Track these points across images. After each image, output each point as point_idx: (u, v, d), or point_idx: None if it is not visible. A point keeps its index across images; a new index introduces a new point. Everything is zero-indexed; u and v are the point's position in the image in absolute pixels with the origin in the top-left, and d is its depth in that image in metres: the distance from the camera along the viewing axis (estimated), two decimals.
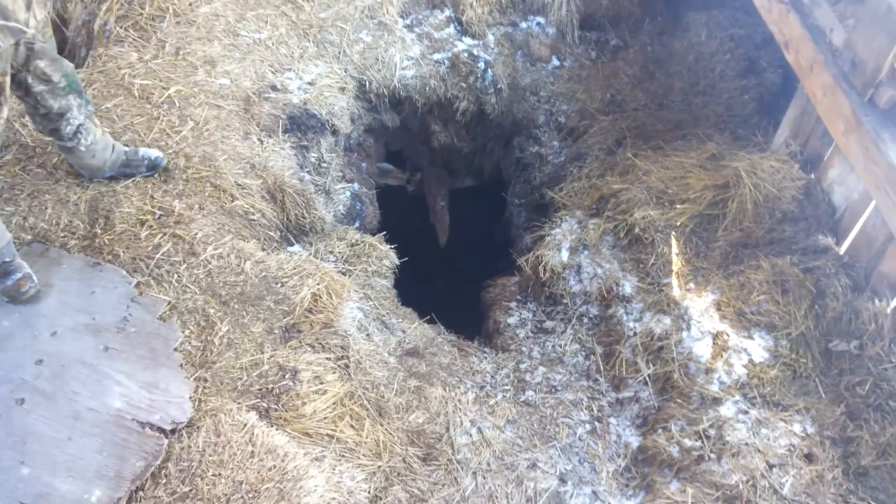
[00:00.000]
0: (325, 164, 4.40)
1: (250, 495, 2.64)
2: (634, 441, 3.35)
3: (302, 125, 4.30)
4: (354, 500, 2.83)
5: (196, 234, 3.44)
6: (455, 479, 3.08)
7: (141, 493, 2.62)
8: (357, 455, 2.99)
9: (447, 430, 3.24)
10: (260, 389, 3.04)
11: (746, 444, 3.08)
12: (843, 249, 3.61)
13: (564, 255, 4.02)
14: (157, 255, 3.32)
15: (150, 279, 3.26)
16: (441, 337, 3.91)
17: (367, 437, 3.05)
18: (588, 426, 3.41)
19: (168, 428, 2.78)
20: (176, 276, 3.29)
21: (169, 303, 3.19)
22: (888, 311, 3.28)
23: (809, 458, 3.05)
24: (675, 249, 3.82)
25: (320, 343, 3.30)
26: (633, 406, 3.46)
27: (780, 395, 3.25)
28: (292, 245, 4.01)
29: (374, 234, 4.25)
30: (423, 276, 4.80)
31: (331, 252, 4.02)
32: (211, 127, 3.95)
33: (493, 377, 3.64)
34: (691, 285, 3.68)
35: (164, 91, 4.01)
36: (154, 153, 3.61)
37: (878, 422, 3.08)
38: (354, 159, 4.84)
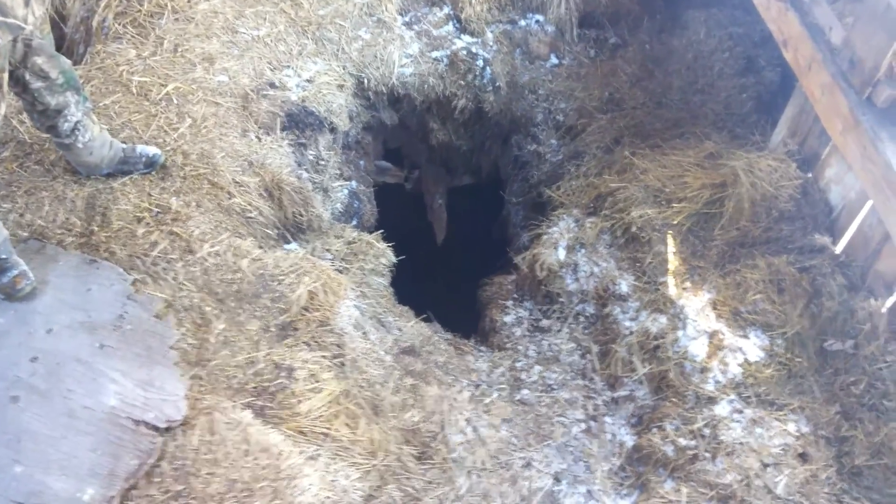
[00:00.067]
0: (322, 162, 4.40)
1: (244, 494, 2.64)
2: (629, 440, 3.36)
3: (300, 123, 4.30)
4: (349, 499, 2.83)
5: (193, 231, 3.44)
6: (450, 477, 3.08)
7: (135, 492, 2.62)
8: (352, 454, 2.99)
9: (442, 428, 3.23)
10: (255, 387, 3.04)
11: (741, 443, 3.08)
12: (839, 248, 3.61)
13: (561, 254, 4.02)
14: (154, 253, 3.32)
15: (147, 276, 3.26)
16: (437, 335, 3.91)
17: (362, 436, 3.05)
18: (583, 425, 3.41)
19: (162, 426, 2.78)
20: (172, 273, 3.29)
21: (165, 300, 3.19)
22: (883, 310, 3.28)
23: (804, 457, 3.05)
24: (671, 248, 3.82)
25: (316, 341, 3.30)
26: (629, 405, 3.47)
27: (775, 395, 3.25)
28: (289, 243, 4.02)
29: (371, 232, 4.24)
30: (420, 274, 4.80)
31: (328, 250, 4.02)
32: (209, 124, 3.95)
33: (488, 376, 3.65)
34: (688, 284, 3.67)
35: (163, 88, 4.01)
36: (152, 150, 3.61)
37: (872, 421, 3.08)
38: (352, 157, 4.84)
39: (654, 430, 3.27)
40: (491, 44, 5.10)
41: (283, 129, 4.22)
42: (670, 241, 3.84)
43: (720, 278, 3.66)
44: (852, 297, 3.37)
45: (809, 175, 3.87)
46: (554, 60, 5.19)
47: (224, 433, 2.79)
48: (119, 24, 4.28)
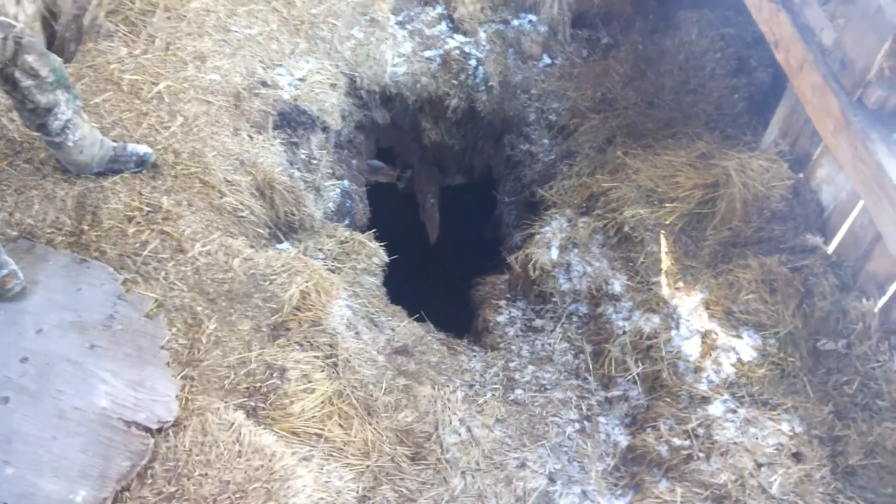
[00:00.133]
0: (315, 161, 4.38)
1: (237, 495, 2.63)
2: (623, 440, 3.35)
3: (292, 122, 4.28)
4: (343, 500, 2.82)
5: (184, 230, 3.42)
6: (444, 478, 3.07)
7: (127, 494, 2.60)
8: (345, 454, 2.98)
9: (436, 429, 3.23)
10: (247, 388, 3.02)
11: (735, 443, 3.08)
12: (831, 249, 3.62)
13: (554, 254, 4.01)
14: (145, 252, 3.30)
15: (138, 276, 3.24)
16: (430, 335, 3.90)
17: (355, 437, 3.04)
18: (577, 425, 3.41)
19: (154, 427, 2.76)
20: (163, 273, 3.27)
21: (156, 300, 3.17)
22: (875, 310, 3.29)
23: (798, 457, 3.06)
24: (664, 248, 3.82)
25: (308, 341, 3.28)
26: (623, 405, 3.46)
27: (769, 394, 3.25)
28: (281, 242, 4.00)
29: (363, 232, 4.23)
30: (413, 273, 4.79)
31: (320, 249, 4.00)
32: (200, 123, 3.92)
33: (482, 376, 3.64)
34: (680, 284, 3.68)
35: (154, 86, 3.98)
36: (143, 149, 3.59)
37: (865, 421, 3.09)
38: (345, 156, 4.82)
39: (649, 429, 3.28)
40: (484, 43, 5.10)
41: (275, 128, 4.20)
42: (663, 240, 3.84)
43: (713, 278, 3.67)
44: (844, 297, 3.38)
45: (801, 175, 3.88)
46: (546, 60, 5.19)
47: (216, 434, 2.77)
48: (111, 22, 4.26)
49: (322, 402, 3.06)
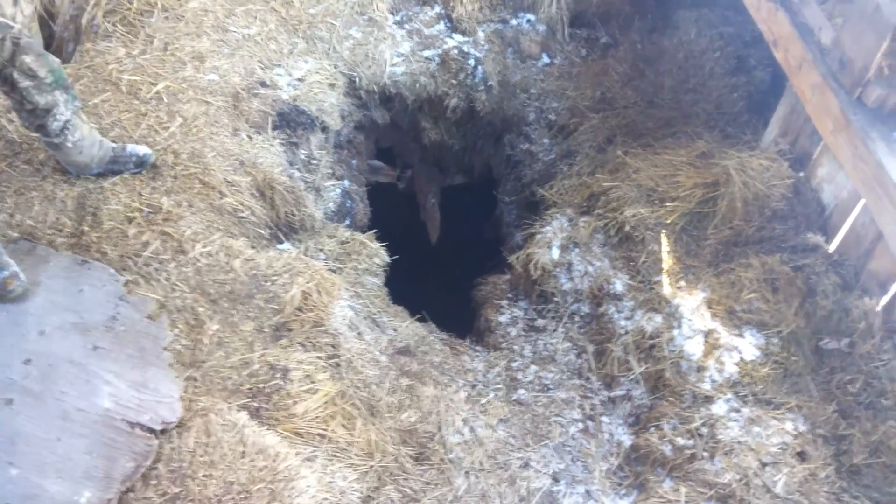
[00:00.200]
0: (314, 161, 4.37)
1: (241, 496, 2.62)
2: (627, 440, 3.36)
3: (291, 122, 4.27)
4: (346, 501, 2.81)
5: (185, 231, 3.41)
6: (448, 478, 3.07)
7: (131, 495, 2.59)
8: (349, 455, 2.97)
9: (439, 429, 3.22)
10: (250, 389, 3.01)
11: (739, 442, 3.09)
12: (832, 247, 3.62)
13: (555, 253, 4.01)
14: (146, 253, 3.29)
15: (139, 277, 3.22)
16: (432, 335, 3.90)
17: (358, 437, 3.03)
18: (580, 425, 3.41)
19: (158, 428, 2.75)
20: (165, 274, 3.26)
21: (158, 301, 3.16)
22: (878, 309, 3.30)
23: (802, 456, 3.06)
24: (665, 247, 3.82)
25: (311, 342, 3.27)
26: (626, 404, 3.46)
27: (772, 394, 3.25)
28: (282, 243, 3.99)
29: (364, 232, 4.22)
30: (414, 274, 4.79)
31: (321, 250, 3.99)
32: (199, 123, 3.91)
33: (484, 376, 3.64)
34: (682, 283, 3.68)
35: (153, 87, 3.97)
36: (142, 150, 3.58)
37: (869, 420, 3.09)
38: (344, 156, 4.81)
39: (652, 429, 3.28)
40: (482, 43, 5.09)
41: (274, 129, 4.19)
42: (664, 240, 3.84)
43: (714, 277, 3.67)
44: (846, 296, 3.38)
45: (801, 174, 3.89)
46: (545, 60, 5.19)
47: (220, 435, 2.76)
48: (108, 23, 4.24)
49: (325, 403, 3.06)
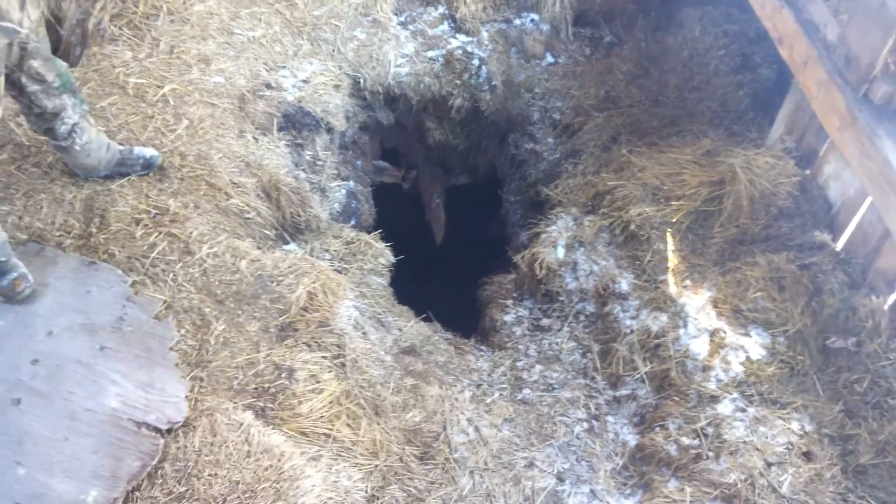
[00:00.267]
0: (320, 162, 4.38)
1: (247, 495, 2.63)
2: (632, 439, 3.35)
3: (297, 123, 4.29)
4: (351, 500, 2.82)
5: (191, 232, 3.43)
6: (452, 478, 3.08)
7: (137, 494, 2.61)
8: (354, 454, 2.98)
9: (444, 428, 3.23)
10: (256, 389, 3.03)
11: (744, 442, 3.08)
12: (839, 246, 3.60)
13: (560, 253, 4.01)
14: (153, 254, 3.31)
15: (146, 278, 3.25)
16: (437, 335, 3.90)
17: (363, 436, 3.04)
18: (585, 424, 3.41)
19: (164, 428, 2.77)
20: (171, 275, 3.28)
21: (164, 302, 3.18)
22: (885, 307, 3.27)
23: (808, 456, 3.05)
24: (671, 246, 3.82)
25: (316, 342, 3.29)
26: (631, 404, 3.46)
27: (778, 393, 3.24)
28: (288, 243, 4.00)
29: (369, 232, 4.23)
30: (419, 274, 4.79)
31: (326, 250, 4.01)
32: (206, 125, 3.93)
33: (489, 375, 3.64)
34: (688, 282, 3.67)
35: (159, 89, 3.99)
36: (149, 152, 3.60)
37: (876, 419, 3.07)
38: (349, 157, 4.83)
39: (657, 429, 3.27)
40: (486, 43, 5.10)
41: (279, 130, 4.21)
42: (669, 239, 3.84)
43: (720, 276, 3.66)
44: (853, 295, 3.36)
45: (808, 172, 3.87)
46: (549, 59, 5.19)
47: (226, 434, 2.78)
48: (115, 26, 4.26)
49: (330, 403, 3.07)
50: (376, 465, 3.00)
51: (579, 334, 3.80)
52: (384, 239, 4.19)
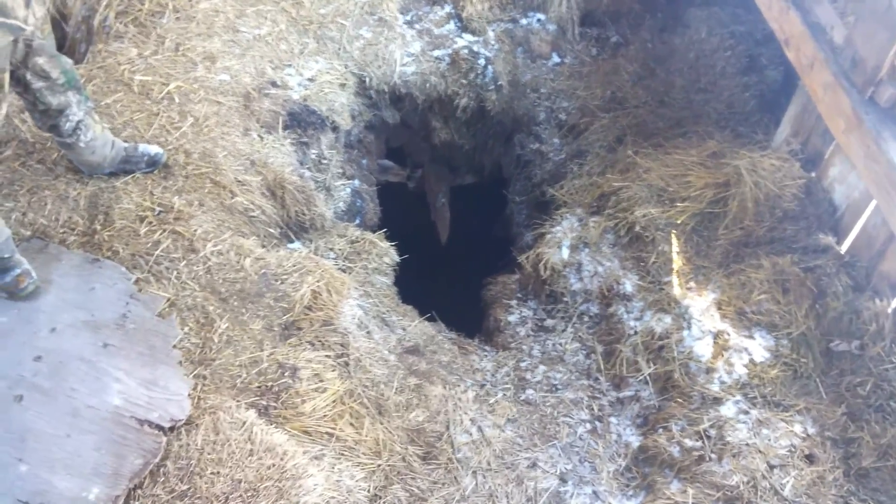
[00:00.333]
0: (325, 161, 4.38)
1: (249, 494, 2.63)
2: (635, 441, 3.35)
3: (302, 121, 4.29)
4: (354, 499, 2.82)
5: (196, 230, 3.43)
6: (455, 478, 3.07)
7: (139, 491, 2.61)
8: (356, 453, 2.98)
9: (447, 428, 3.23)
10: (259, 387, 3.03)
11: (747, 444, 3.07)
12: (844, 248, 3.60)
13: (565, 253, 4.01)
14: (157, 252, 3.31)
15: (150, 276, 3.25)
16: (441, 335, 3.90)
17: (366, 436, 3.04)
18: (588, 425, 3.40)
19: (167, 425, 2.77)
20: (175, 272, 3.28)
21: (168, 299, 3.18)
22: (889, 311, 3.27)
23: (810, 458, 3.05)
24: (675, 248, 3.81)
25: (320, 341, 3.29)
26: (634, 405, 3.46)
27: (781, 396, 3.24)
28: (292, 242, 4.00)
29: (374, 231, 4.23)
30: (424, 273, 4.79)
31: (331, 249, 4.01)
32: (211, 123, 3.93)
33: (493, 375, 3.64)
34: (692, 284, 3.67)
35: (164, 87, 4.00)
36: (154, 149, 3.60)
37: (879, 423, 3.07)
38: (355, 156, 4.83)
39: (660, 430, 3.27)
40: (492, 42, 5.09)
41: (285, 128, 4.21)
42: (674, 240, 3.83)
43: (724, 278, 3.65)
44: (857, 298, 3.36)
45: (813, 174, 3.86)
46: (556, 59, 5.18)
47: (228, 433, 2.78)
48: (120, 23, 4.27)
49: (333, 402, 3.07)
50: (379, 465, 3.00)
51: (583, 335, 3.80)
52: (389, 238, 4.19)
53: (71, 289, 3.12)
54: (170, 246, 3.35)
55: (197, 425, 2.80)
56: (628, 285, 3.78)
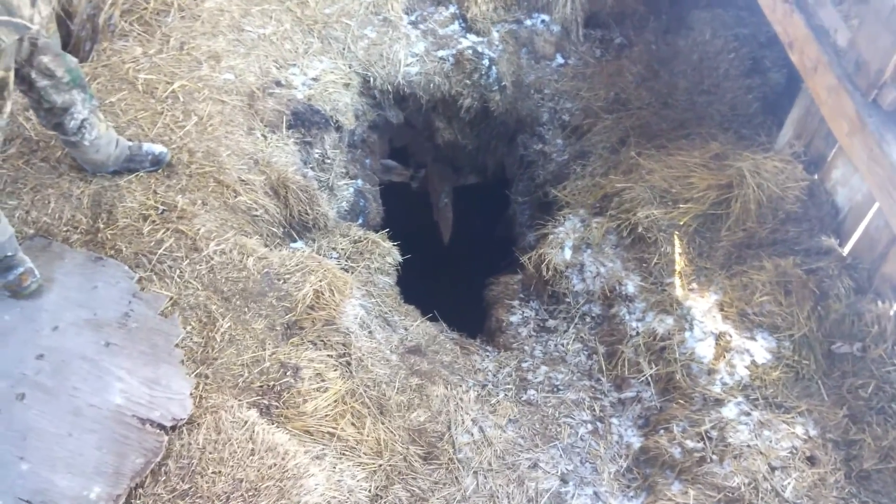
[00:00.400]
0: (328, 161, 4.39)
1: (250, 493, 2.64)
2: (636, 442, 3.35)
3: (306, 121, 4.29)
4: (355, 499, 2.83)
5: (199, 229, 3.44)
6: (456, 478, 3.08)
7: (141, 490, 2.62)
8: (358, 453, 2.99)
9: (448, 428, 3.23)
10: (261, 386, 3.03)
11: (748, 445, 3.07)
12: (846, 251, 3.60)
13: (567, 254, 4.01)
14: (160, 251, 3.32)
15: (153, 274, 3.26)
16: (443, 335, 3.91)
17: (368, 436, 3.05)
18: (590, 426, 3.41)
19: (168, 425, 2.78)
20: (178, 271, 3.29)
21: (171, 298, 3.19)
22: (891, 313, 3.27)
23: (812, 460, 3.05)
24: (678, 249, 3.81)
25: (322, 340, 3.29)
26: (635, 406, 3.46)
27: (783, 397, 3.24)
28: (295, 241, 4.01)
29: (377, 231, 4.24)
30: (426, 273, 4.80)
31: (333, 249, 4.01)
32: (215, 122, 3.94)
33: (494, 376, 3.64)
34: (694, 285, 3.67)
35: (169, 86, 4.00)
36: (158, 149, 3.61)
37: (880, 425, 3.07)
38: (358, 156, 4.83)
39: (661, 431, 3.27)
40: (497, 43, 5.09)
41: (288, 128, 4.22)
42: (677, 241, 3.83)
43: (727, 279, 3.65)
44: (860, 300, 3.36)
45: (816, 177, 3.86)
46: (560, 60, 5.18)
47: (230, 432, 2.78)
48: (125, 22, 4.28)
49: (335, 401, 3.08)
50: (380, 465, 3.00)
51: (585, 336, 3.80)
52: (391, 238, 4.19)
53: (74, 287, 3.13)
54: (173, 245, 3.36)
55: (198, 424, 2.81)
56: (630, 286, 3.78)
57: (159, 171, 3.62)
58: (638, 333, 3.62)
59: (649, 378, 3.49)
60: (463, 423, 3.27)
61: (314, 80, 4.50)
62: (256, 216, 3.76)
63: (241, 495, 2.63)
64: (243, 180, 3.78)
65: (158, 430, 2.75)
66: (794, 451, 3.06)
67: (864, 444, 3.06)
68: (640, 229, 3.93)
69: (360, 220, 4.59)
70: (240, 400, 2.95)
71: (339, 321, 3.37)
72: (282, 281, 3.40)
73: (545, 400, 3.50)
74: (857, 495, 2.96)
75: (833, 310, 3.38)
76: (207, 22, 4.44)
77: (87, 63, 4.05)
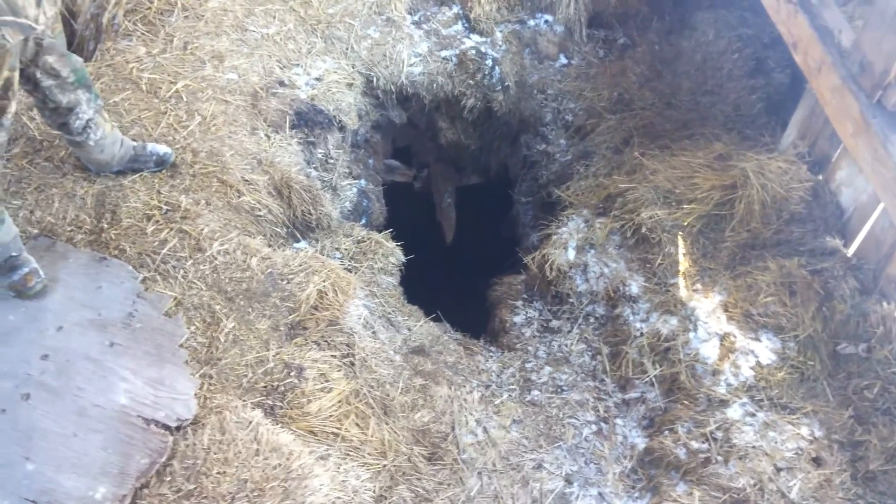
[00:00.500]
0: (331, 161, 4.39)
1: (255, 494, 2.64)
2: (641, 442, 3.35)
3: (309, 121, 4.29)
4: (359, 500, 2.83)
5: (202, 229, 3.43)
6: (460, 478, 3.08)
7: (146, 491, 2.62)
8: (362, 454, 2.99)
9: (452, 429, 3.23)
10: (265, 387, 3.03)
11: (754, 446, 3.07)
12: (851, 251, 3.59)
13: (571, 254, 4.01)
14: (164, 251, 3.32)
15: (157, 274, 3.25)
16: (447, 335, 3.91)
17: (372, 436, 3.05)
18: (594, 427, 3.40)
19: (173, 425, 2.78)
20: (182, 271, 3.29)
21: (175, 298, 3.19)
22: None
23: (817, 461, 3.04)
24: (682, 249, 3.81)
25: (326, 340, 3.29)
26: (640, 407, 3.46)
27: (788, 398, 3.23)
28: (299, 241, 4.01)
29: (380, 231, 4.24)
30: (430, 273, 4.79)
31: (337, 249, 4.01)
32: (218, 122, 3.94)
33: (498, 376, 3.64)
34: (698, 286, 3.66)
35: (172, 85, 4.00)
36: (162, 149, 3.61)
37: (886, 426, 3.07)
38: (361, 156, 4.83)
39: (666, 432, 3.26)
40: (500, 43, 5.09)
41: (292, 128, 4.21)
42: (680, 242, 3.83)
43: (731, 280, 3.65)
44: (864, 301, 3.36)
45: (820, 177, 3.85)
46: (563, 60, 5.18)
47: (234, 432, 2.78)
48: (129, 22, 4.28)
49: (339, 402, 3.07)
50: (384, 465, 3.00)
51: (589, 336, 3.79)
52: (395, 238, 4.19)
53: (78, 287, 3.12)
54: (176, 245, 3.36)
55: (203, 425, 2.81)
56: (634, 287, 3.78)
57: (163, 171, 3.62)
58: (642, 334, 3.62)
59: (653, 379, 3.49)
60: (467, 423, 3.27)
61: (317, 79, 4.50)
62: (260, 216, 3.76)
63: (246, 496, 2.63)
64: (247, 180, 3.78)
65: (163, 431, 2.75)
66: (800, 452, 3.06)
67: (869, 444, 3.05)
68: (643, 230, 3.92)
69: (364, 221, 4.59)
70: (244, 400, 2.94)
71: (343, 321, 3.37)
72: (285, 281, 3.39)
73: (549, 400, 3.49)
74: (863, 496, 2.96)
75: (838, 310, 3.37)
76: (211, 22, 4.44)
77: (91, 63, 4.04)
